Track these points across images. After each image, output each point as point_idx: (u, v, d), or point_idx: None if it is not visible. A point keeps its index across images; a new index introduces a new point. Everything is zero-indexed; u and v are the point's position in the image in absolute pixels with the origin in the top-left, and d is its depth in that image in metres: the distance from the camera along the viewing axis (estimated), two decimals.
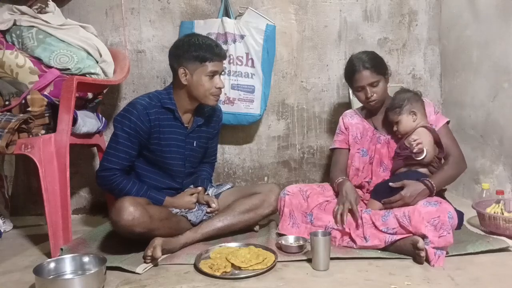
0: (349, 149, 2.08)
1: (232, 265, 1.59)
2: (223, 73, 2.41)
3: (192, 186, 2.07)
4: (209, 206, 1.99)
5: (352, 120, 2.11)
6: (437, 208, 1.63)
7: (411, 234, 1.64)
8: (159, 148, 1.90)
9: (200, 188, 2.04)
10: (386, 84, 1.98)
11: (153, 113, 1.85)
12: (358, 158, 2.02)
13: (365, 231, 1.75)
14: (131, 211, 1.64)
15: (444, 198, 1.88)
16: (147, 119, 1.84)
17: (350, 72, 1.98)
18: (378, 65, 1.96)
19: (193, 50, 1.85)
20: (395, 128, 1.93)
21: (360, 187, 2.02)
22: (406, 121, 1.90)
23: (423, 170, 1.86)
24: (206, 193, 2.07)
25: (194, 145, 2.01)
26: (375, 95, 1.93)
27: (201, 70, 1.85)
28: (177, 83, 1.91)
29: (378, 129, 2.03)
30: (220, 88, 1.91)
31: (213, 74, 1.87)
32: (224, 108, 2.40)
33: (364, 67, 1.93)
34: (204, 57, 1.85)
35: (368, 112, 2.08)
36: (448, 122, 1.99)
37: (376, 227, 1.73)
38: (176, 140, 1.93)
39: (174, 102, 1.91)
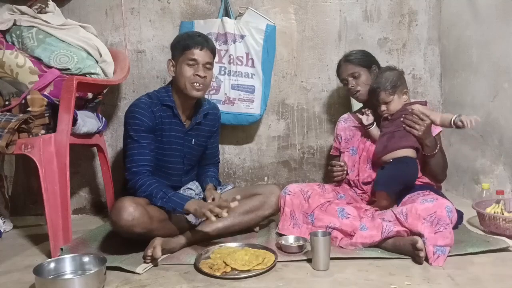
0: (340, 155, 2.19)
1: None
2: (224, 73, 2.44)
3: (196, 182, 2.10)
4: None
5: (345, 124, 2.21)
6: (433, 204, 1.63)
7: (409, 232, 1.65)
8: (160, 146, 1.92)
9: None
10: (370, 76, 2.07)
11: (156, 110, 1.90)
12: (348, 157, 2.11)
13: (363, 220, 1.78)
14: (131, 211, 1.64)
15: (442, 195, 1.88)
16: (153, 116, 1.88)
17: (337, 68, 2.18)
18: (360, 57, 2.10)
19: (179, 41, 1.92)
20: (383, 108, 1.94)
21: (353, 185, 2.07)
22: (398, 101, 1.92)
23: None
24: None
25: (192, 143, 2.02)
26: (358, 86, 2.06)
27: (182, 59, 1.89)
28: (173, 80, 1.94)
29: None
30: (199, 76, 1.87)
31: (193, 63, 1.87)
32: (224, 108, 2.41)
33: (345, 60, 2.12)
34: (185, 45, 1.88)
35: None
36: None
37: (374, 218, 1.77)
38: (175, 137, 1.95)
39: (173, 99, 1.93)
